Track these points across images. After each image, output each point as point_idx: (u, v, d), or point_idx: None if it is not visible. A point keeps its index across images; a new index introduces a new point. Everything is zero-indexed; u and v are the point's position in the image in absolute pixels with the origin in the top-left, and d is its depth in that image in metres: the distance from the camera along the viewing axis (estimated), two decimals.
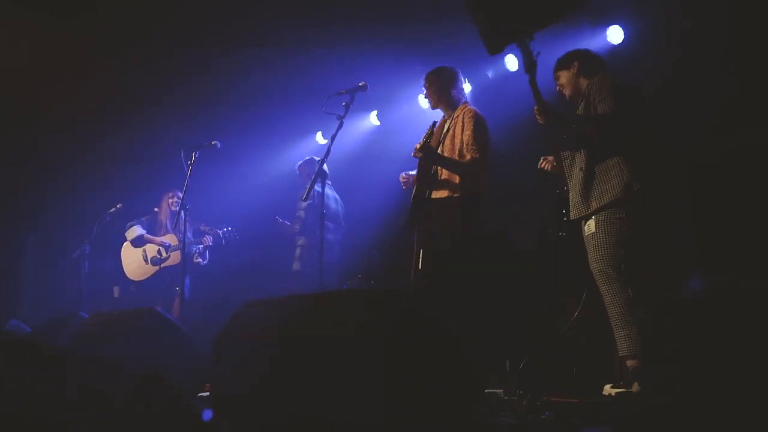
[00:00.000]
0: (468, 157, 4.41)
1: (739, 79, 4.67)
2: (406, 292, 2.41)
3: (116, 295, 7.51)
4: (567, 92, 4.13)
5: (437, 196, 4.48)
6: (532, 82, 3.63)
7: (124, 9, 6.06)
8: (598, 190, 3.76)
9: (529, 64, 3.53)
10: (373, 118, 7.41)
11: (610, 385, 3.67)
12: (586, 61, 4.07)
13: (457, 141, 4.47)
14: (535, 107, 3.80)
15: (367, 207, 6.86)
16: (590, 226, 3.82)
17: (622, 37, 5.50)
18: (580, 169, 3.85)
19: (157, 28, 6.33)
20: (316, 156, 6.13)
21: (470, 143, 4.41)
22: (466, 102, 4.64)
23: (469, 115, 4.50)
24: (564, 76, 4.11)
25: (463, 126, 4.49)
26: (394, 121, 7.18)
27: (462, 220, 4.40)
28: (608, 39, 5.54)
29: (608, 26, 5.55)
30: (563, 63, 4.12)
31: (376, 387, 2.15)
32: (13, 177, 8.18)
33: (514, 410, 3.36)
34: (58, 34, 6.25)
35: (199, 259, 6.93)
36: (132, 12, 6.09)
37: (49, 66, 6.64)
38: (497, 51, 3.55)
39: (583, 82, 4.02)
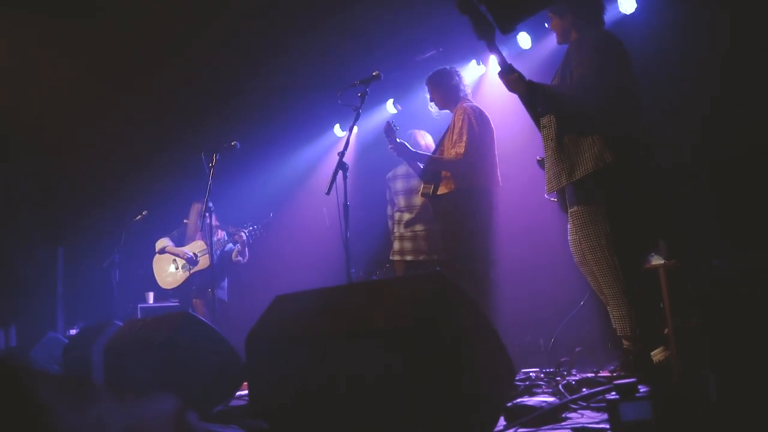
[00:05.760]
0: (452, 153, 4.60)
1: (758, 53, 4.54)
2: (439, 277, 2.39)
3: (150, 301, 7.62)
4: (557, 39, 3.88)
5: (440, 193, 4.65)
6: (493, 46, 3.49)
7: (140, 19, 6.12)
8: (568, 163, 3.56)
9: (485, 29, 3.41)
10: (389, 107, 7.40)
11: (658, 350, 3.50)
12: (581, 14, 3.75)
13: (454, 138, 4.65)
14: (499, 71, 3.60)
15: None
16: (572, 203, 3.64)
17: (635, 5, 5.39)
18: (552, 140, 3.67)
19: (173, 33, 6.37)
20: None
21: (456, 140, 4.61)
22: (464, 98, 4.81)
23: (461, 111, 4.69)
24: (556, 23, 3.84)
25: (454, 123, 4.71)
26: (411, 109, 7.16)
27: (459, 215, 4.55)
28: (620, 8, 5.42)
29: None
30: (558, 9, 3.80)
31: (414, 381, 2.15)
32: (41, 193, 8.31)
33: (551, 389, 3.37)
34: (76, 46, 6.34)
35: (239, 257, 6.90)
36: (147, 20, 6.15)
37: (73, 83, 6.74)
38: (509, 30, 3.50)
39: (574, 35, 3.75)
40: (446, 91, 4.85)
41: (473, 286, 4.34)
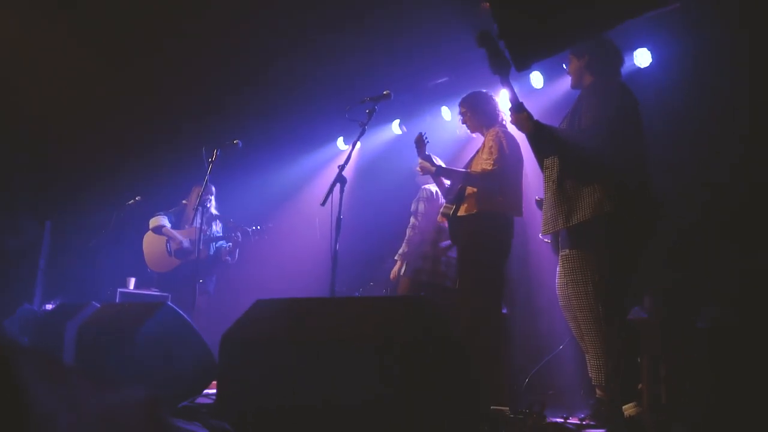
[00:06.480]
0: (480, 168, 4.51)
1: None
2: (418, 300, 2.39)
3: (131, 286, 7.54)
4: (572, 82, 3.91)
5: (461, 214, 4.54)
6: (506, 82, 3.54)
7: (150, 11, 6.14)
8: (567, 207, 3.54)
9: (501, 64, 3.43)
10: (395, 127, 7.42)
11: (630, 405, 3.42)
12: (596, 56, 3.75)
13: (484, 157, 4.56)
14: (509, 107, 3.63)
15: (382, 215, 6.87)
16: (564, 247, 3.64)
17: (650, 60, 5.44)
18: (553, 182, 3.66)
19: (182, 29, 6.38)
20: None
21: (486, 158, 4.51)
22: (499, 123, 4.71)
23: (493, 133, 4.61)
24: (573, 64, 3.85)
25: (484, 145, 4.63)
26: (416, 131, 7.19)
27: (478, 237, 4.45)
28: (635, 61, 5.47)
29: (635, 48, 5.45)
30: (576, 49, 3.81)
31: (385, 396, 2.14)
32: (34, 164, 8.28)
33: (520, 429, 3.35)
34: (80, 30, 6.35)
35: (228, 258, 6.81)
36: (157, 13, 6.16)
37: (72, 63, 6.73)
38: (525, 68, 3.50)
39: (587, 79, 3.77)
40: (482, 115, 4.75)
41: (478, 318, 4.29)
